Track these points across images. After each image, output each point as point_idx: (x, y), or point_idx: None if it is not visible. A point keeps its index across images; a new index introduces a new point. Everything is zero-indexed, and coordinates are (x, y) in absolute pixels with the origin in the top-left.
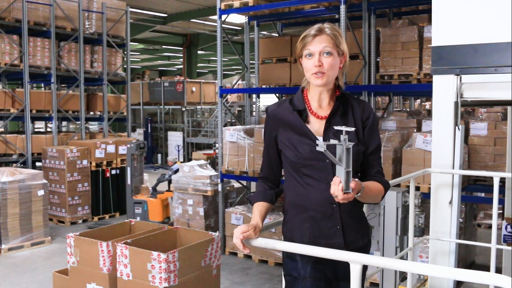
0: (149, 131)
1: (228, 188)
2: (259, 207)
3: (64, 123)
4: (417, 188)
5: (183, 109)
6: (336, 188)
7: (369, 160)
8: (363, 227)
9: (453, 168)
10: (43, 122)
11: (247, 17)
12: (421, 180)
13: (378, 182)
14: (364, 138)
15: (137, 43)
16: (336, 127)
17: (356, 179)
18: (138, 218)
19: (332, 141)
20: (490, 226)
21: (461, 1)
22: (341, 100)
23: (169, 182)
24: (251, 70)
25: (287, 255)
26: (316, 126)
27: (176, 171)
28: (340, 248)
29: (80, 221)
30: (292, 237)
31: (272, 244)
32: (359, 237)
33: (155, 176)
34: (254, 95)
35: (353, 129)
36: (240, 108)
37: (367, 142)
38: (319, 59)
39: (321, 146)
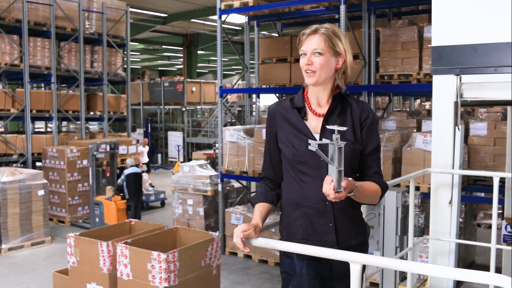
0: (149, 131)
1: (228, 188)
2: (260, 207)
3: (64, 123)
4: (417, 188)
5: (183, 109)
6: (328, 187)
7: (367, 160)
8: (357, 227)
9: (453, 168)
10: (43, 122)
11: (247, 17)
12: (421, 180)
13: (375, 183)
14: (362, 138)
15: (137, 43)
16: (328, 126)
17: (350, 179)
18: (96, 219)
19: (325, 140)
20: (490, 226)
21: (461, 1)
22: (339, 99)
23: (121, 188)
24: (251, 70)
25: (284, 253)
26: (313, 123)
27: (129, 175)
28: (332, 246)
29: (81, 221)
30: (286, 233)
31: (272, 244)
32: (352, 236)
33: (155, 176)
34: (254, 95)
35: (345, 128)
36: (240, 108)
37: (365, 143)
38: (309, 58)
39: (313, 145)
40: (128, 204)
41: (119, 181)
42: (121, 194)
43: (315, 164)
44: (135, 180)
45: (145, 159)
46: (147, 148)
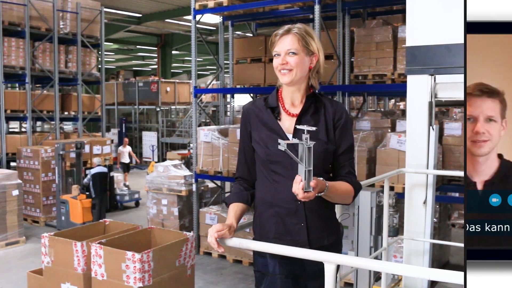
0: (124, 131)
1: (202, 188)
2: (234, 208)
3: (38, 123)
4: (392, 188)
5: (158, 109)
6: (297, 186)
7: (340, 160)
8: (330, 227)
9: (427, 168)
10: (18, 122)
11: (221, 17)
12: (395, 180)
13: (348, 183)
14: (336, 138)
15: (111, 43)
16: (298, 126)
17: (320, 178)
18: (62, 218)
19: (294, 140)
20: (464, 226)
21: (435, 1)
22: (312, 99)
23: (87, 187)
24: (225, 70)
25: (257, 251)
26: (287, 123)
27: (94, 175)
28: (303, 246)
29: (55, 221)
30: (259, 232)
31: (246, 244)
32: (324, 236)
33: (129, 176)
34: (228, 95)
35: (314, 128)
36: (215, 108)
37: (338, 142)
38: (283, 58)
39: (282, 145)
40: (93, 203)
41: (85, 180)
42: (87, 193)
43: (288, 164)
44: (101, 179)
45: (126, 159)
46: (128, 148)
